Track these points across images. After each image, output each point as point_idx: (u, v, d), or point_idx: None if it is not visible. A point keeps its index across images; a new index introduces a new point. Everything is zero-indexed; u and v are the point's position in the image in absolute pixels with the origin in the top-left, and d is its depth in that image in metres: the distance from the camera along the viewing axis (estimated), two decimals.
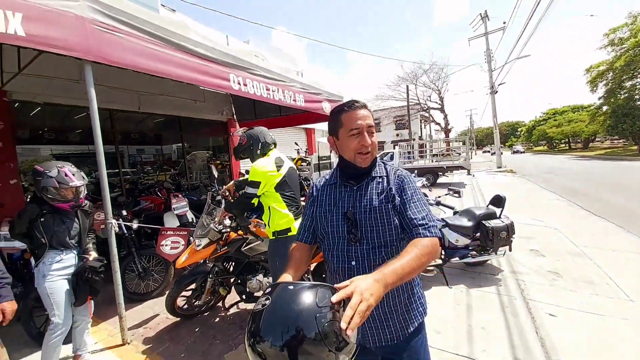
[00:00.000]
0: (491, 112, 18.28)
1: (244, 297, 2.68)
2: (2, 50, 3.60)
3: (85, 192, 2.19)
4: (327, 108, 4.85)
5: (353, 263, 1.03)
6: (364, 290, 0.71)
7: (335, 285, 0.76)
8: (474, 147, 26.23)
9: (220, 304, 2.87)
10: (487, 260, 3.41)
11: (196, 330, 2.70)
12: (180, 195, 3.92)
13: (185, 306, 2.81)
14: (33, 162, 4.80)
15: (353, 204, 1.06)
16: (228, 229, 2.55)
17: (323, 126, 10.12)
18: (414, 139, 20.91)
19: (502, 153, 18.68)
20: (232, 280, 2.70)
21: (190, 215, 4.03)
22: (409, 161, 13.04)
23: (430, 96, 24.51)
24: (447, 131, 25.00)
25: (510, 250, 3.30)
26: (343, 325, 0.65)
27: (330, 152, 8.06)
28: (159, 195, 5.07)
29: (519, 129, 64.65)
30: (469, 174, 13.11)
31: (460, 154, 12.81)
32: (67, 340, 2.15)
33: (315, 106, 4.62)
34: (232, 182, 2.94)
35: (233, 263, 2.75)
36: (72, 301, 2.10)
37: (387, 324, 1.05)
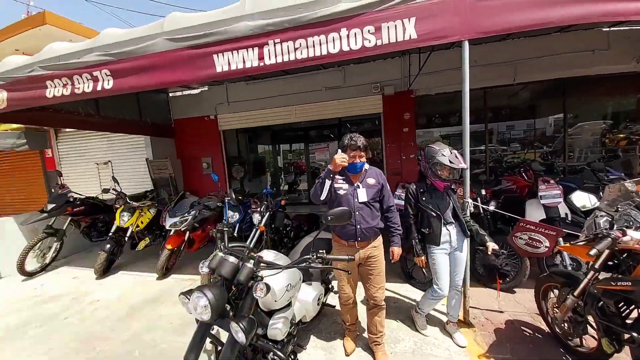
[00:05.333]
0: None
1: None
2: (410, 57, 4.92)
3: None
4: None
5: None
6: None
7: None
8: None
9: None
10: None
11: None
12: (552, 181, 3.04)
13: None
14: (423, 142, 6.27)
15: None
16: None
17: None
18: None
19: None
20: (627, 336, 1.61)
21: (564, 209, 3.03)
22: None
23: None
24: None
25: None
26: None
27: None
28: (524, 176, 4.41)
29: None
30: None
31: None
32: None
33: None
34: None
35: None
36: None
37: None
